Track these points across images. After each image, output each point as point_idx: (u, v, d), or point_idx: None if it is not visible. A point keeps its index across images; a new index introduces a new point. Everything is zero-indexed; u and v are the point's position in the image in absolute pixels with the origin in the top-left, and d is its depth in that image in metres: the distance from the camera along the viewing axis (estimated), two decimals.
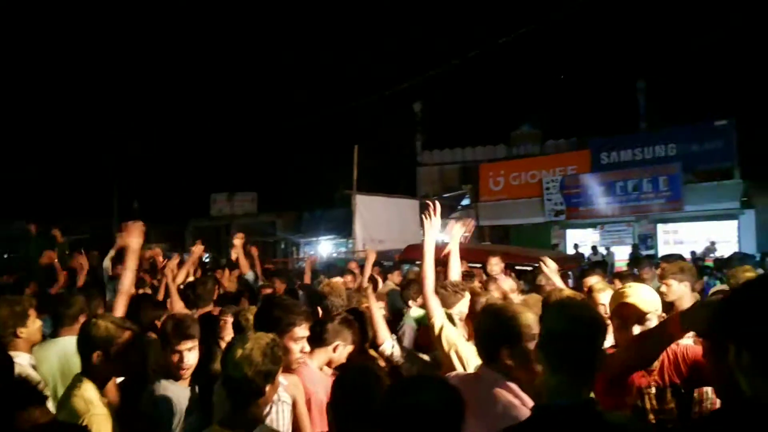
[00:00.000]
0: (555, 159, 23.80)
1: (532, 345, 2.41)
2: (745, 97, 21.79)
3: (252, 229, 29.69)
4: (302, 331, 3.16)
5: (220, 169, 32.34)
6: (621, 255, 19.84)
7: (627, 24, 23.62)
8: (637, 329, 2.92)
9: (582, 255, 18.14)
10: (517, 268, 8.29)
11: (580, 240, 22.23)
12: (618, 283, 5.98)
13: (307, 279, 8.22)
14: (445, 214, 25.04)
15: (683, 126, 20.95)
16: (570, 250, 20.92)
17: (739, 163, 19.85)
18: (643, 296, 3.02)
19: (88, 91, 29.49)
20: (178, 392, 3.24)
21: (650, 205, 20.60)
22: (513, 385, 2.49)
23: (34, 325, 3.33)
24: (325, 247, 25.69)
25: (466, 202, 25.10)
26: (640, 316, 2.93)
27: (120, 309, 3.55)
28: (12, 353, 2.98)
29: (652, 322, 2.90)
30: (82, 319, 3.75)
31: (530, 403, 2.36)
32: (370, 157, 18.50)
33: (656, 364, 2.88)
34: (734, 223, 19.86)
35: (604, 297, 3.99)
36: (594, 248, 21.03)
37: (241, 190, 31.70)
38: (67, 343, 3.52)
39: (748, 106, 21.19)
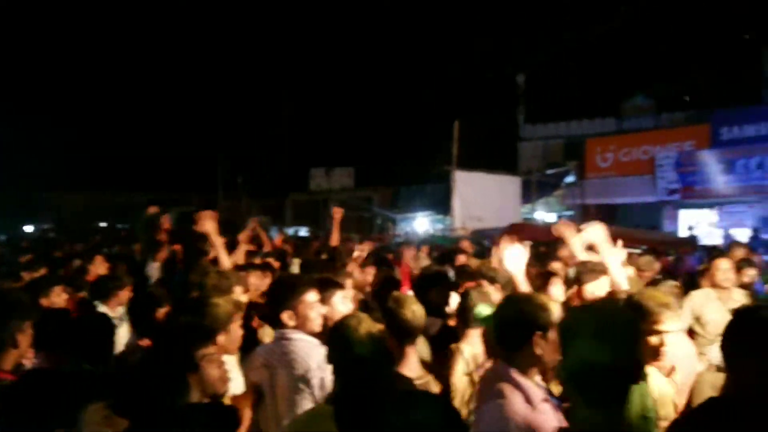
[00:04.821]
0: (670, 134, 22.80)
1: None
2: None
3: (348, 204, 30.18)
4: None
5: (319, 144, 33.18)
6: (739, 239, 18.36)
7: None
8: None
9: (695, 237, 16.90)
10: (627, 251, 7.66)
11: (695, 221, 20.89)
12: None
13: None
14: (548, 192, 24.30)
15: None
16: (683, 232, 19.68)
17: None
18: None
19: (196, 74, 32.70)
20: None
21: None
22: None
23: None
24: (421, 223, 25.47)
25: (570, 179, 24.17)
26: None
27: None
28: None
29: None
30: None
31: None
32: (470, 131, 18.13)
33: None
34: None
35: None
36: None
37: (338, 165, 32.11)
38: None
39: None
